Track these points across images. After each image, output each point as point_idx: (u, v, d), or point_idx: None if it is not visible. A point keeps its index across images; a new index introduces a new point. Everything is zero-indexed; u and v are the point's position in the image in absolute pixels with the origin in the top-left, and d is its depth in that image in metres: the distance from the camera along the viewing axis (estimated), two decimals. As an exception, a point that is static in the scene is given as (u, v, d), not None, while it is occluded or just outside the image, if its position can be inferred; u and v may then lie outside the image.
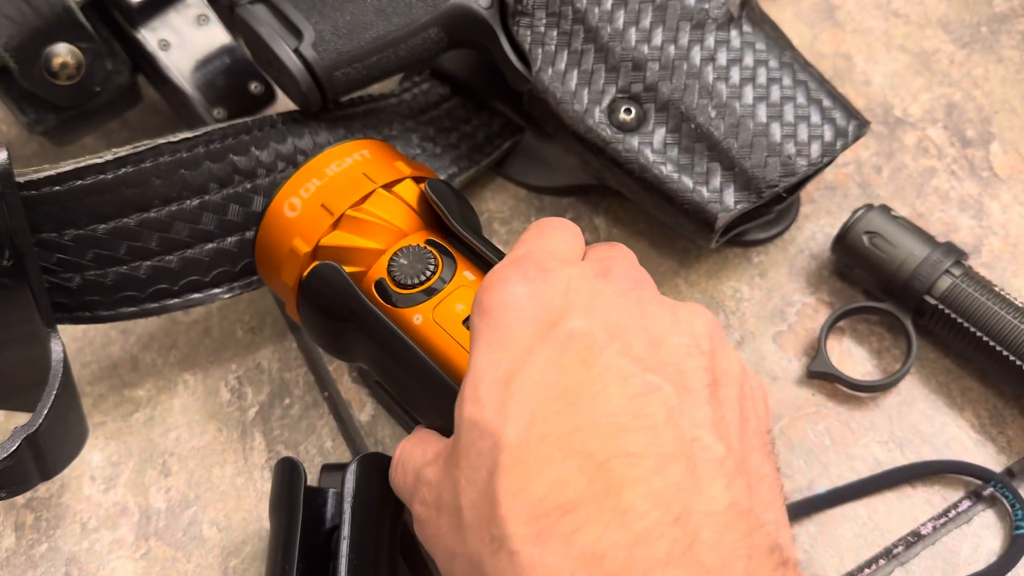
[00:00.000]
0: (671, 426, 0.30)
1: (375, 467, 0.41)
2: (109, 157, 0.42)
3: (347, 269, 0.41)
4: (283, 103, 0.51)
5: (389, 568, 0.41)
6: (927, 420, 0.46)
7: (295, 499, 0.40)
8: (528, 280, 0.33)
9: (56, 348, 0.41)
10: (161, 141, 0.43)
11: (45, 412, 0.39)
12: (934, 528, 0.44)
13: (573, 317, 0.32)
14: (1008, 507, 0.44)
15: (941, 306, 0.46)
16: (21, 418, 0.49)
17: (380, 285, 0.41)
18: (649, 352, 0.32)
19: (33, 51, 0.48)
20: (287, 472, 0.41)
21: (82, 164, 0.41)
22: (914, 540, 0.44)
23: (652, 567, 0.28)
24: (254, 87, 0.53)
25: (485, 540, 0.30)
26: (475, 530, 0.30)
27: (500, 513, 0.29)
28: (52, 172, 0.41)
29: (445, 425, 0.38)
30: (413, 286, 0.40)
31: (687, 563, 0.28)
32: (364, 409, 0.49)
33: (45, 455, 0.40)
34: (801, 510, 0.45)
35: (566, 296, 0.33)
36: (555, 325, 0.32)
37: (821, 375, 0.47)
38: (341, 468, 0.42)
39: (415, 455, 0.36)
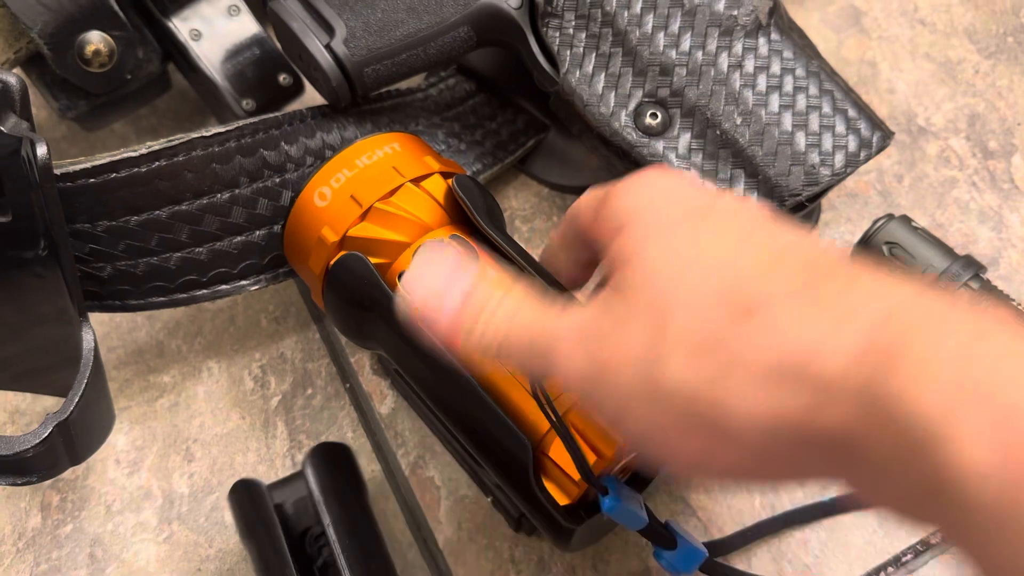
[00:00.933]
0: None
1: (326, 455, 0.43)
2: (143, 151, 0.43)
3: (373, 260, 0.42)
4: (310, 95, 0.52)
5: (376, 540, 0.42)
6: (940, 430, 0.47)
7: (266, 512, 0.41)
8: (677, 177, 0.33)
9: (88, 338, 0.41)
10: (194, 135, 0.44)
11: (76, 400, 0.40)
12: (943, 537, 0.45)
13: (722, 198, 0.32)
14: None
15: (958, 318, 0.46)
16: (47, 400, 0.51)
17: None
18: None
19: (67, 38, 0.48)
20: (248, 493, 0.42)
21: (117, 157, 0.42)
22: (923, 548, 0.45)
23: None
24: (283, 79, 0.53)
25: (721, 313, 0.28)
26: (705, 305, 0.28)
27: (749, 282, 0.28)
28: (88, 165, 0.42)
29: (463, 419, 0.39)
30: None
31: None
32: (384, 401, 0.50)
33: (75, 441, 0.41)
34: (812, 515, 0.45)
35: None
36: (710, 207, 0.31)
37: (836, 382, 0.48)
38: (287, 481, 0.43)
39: (522, 338, 0.32)
